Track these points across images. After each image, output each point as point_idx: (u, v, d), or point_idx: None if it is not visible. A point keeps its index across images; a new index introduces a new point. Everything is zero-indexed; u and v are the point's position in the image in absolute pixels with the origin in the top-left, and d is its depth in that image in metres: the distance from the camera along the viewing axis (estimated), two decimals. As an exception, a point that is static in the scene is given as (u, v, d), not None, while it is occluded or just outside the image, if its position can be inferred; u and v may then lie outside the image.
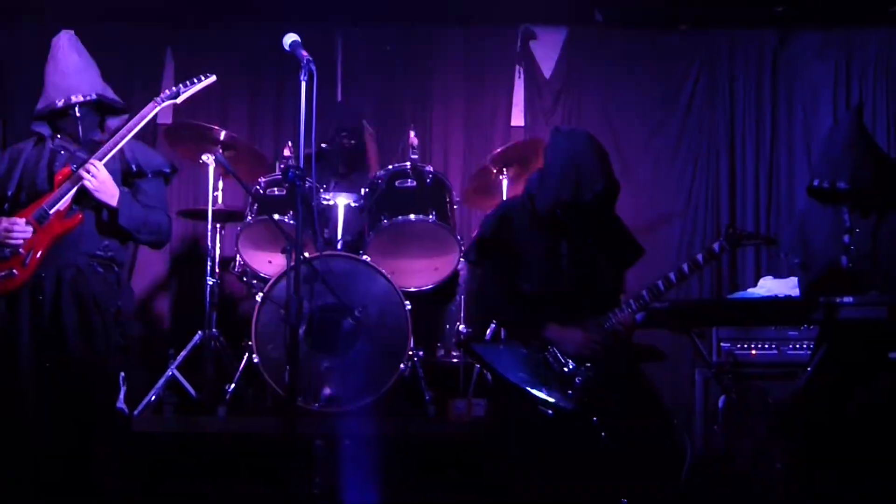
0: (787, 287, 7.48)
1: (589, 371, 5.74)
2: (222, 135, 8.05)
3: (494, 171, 8.33)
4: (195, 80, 6.05)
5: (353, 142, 8.45)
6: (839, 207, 6.36)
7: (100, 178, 5.73)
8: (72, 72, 5.93)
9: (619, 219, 6.22)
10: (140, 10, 9.13)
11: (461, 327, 7.95)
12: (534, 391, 5.72)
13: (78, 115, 5.90)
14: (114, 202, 5.78)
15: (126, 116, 5.97)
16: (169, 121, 8.91)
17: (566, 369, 5.77)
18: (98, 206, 5.79)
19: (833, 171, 6.31)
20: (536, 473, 5.57)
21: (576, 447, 5.64)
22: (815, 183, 6.37)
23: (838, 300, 6.04)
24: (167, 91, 6.01)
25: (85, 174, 5.70)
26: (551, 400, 5.70)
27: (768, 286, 7.80)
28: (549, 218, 5.92)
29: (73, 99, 5.86)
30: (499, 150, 8.39)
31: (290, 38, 5.81)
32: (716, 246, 5.92)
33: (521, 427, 5.75)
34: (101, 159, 5.75)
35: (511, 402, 5.83)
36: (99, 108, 6.00)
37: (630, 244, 6.22)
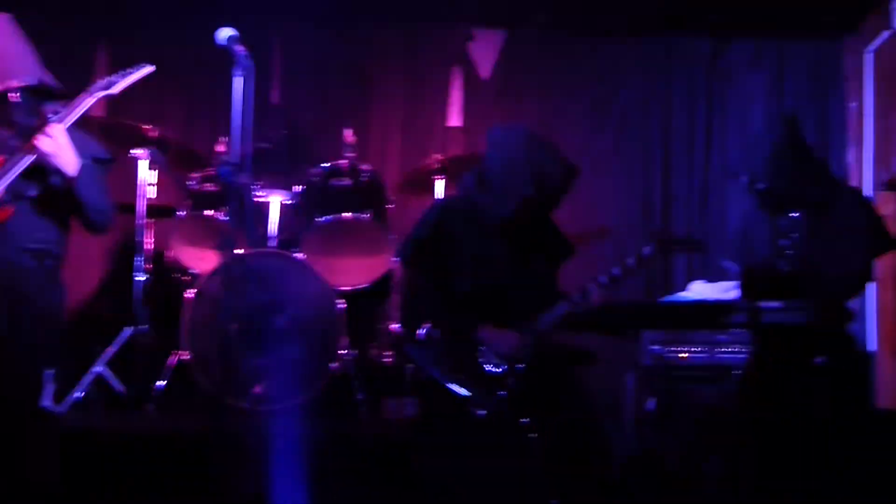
0: (718, 291, 7.53)
1: (521, 372, 5.75)
2: (156, 131, 7.98)
3: (430, 172, 8.34)
4: (130, 71, 5.96)
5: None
6: (777, 212, 6.42)
7: (58, 142, 5.60)
8: (9, 56, 5.80)
9: (551, 218, 6.24)
10: (72, 2, 9.04)
11: (394, 327, 7.94)
12: (466, 392, 5.73)
13: (17, 100, 5.78)
14: (71, 169, 5.64)
15: (63, 103, 5.85)
16: (101, 114, 8.82)
17: (498, 370, 5.78)
18: (33, 198, 5.68)
19: (768, 173, 6.37)
20: (467, 473, 5.58)
21: (506, 448, 5.65)
22: (755, 185, 6.42)
23: (765, 304, 6.09)
24: (102, 80, 5.91)
25: (42, 137, 5.55)
26: (483, 401, 5.71)
27: (699, 290, 7.85)
28: (501, 219, 5.93)
29: (12, 84, 5.75)
30: (440, 157, 8.39)
31: (225, 33, 5.79)
32: (646, 250, 5.96)
33: (451, 427, 5.76)
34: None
35: (442, 402, 5.84)
36: (37, 94, 5.88)
37: (562, 243, 6.24)
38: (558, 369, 5.93)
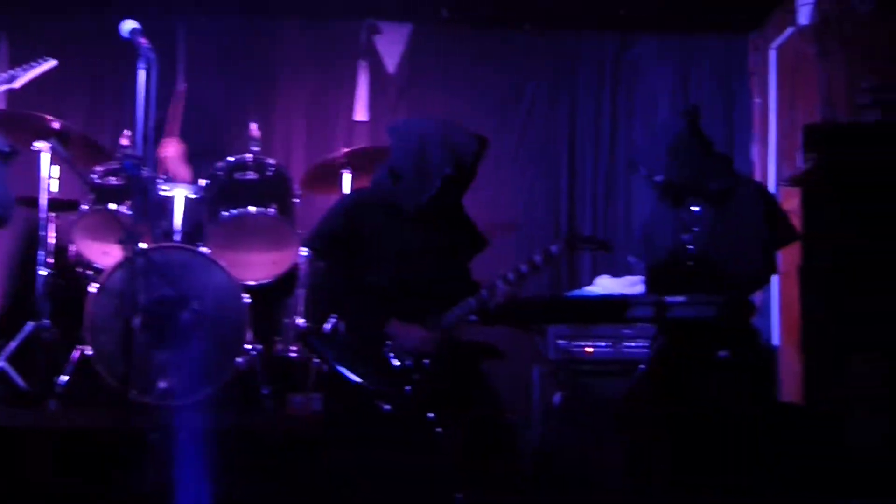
0: (623, 285, 7.58)
1: (427, 367, 5.75)
2: (58, 124, 7.88)
3: (337, 166, 8.31)
4: (33, 64, 5.90)
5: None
6: (680, 206, 6.47)
7: None
8: None
9: (464, 211, 6.25)
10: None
11: (300, 321, 7.92)
12: (371, 386, 5.72)
13: None
14: None
15: None
16: (2, 107, 8.72)
17: (405, 364, 5.78)
18: None
19: (670, 167, 6.42)
20: (372, 468, 5.58)
21: (412, 442, 5.66)
22: (656, 178, 6.47)
23: (669, 299, 6.14)
24: (3, 74, 5.84)
25: None
26: (389, 395, 5.71)
27: (605, 284, 7.90)
28: (417, 206, 5.93)
29: None
30: (347, 150, 8.37)
31: (128, 26, 5.74)
32: (553, 248, 5.98)
33: (357, 421, 5.75)
34: None
35: (348, 397, 5.83)
36: None
37: (474, 236, 6.25)
38: (465, 364, 5.94)
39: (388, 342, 5.80)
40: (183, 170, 8.43)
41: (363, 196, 6.29)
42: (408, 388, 5.72)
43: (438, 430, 5.67)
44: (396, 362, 5.78)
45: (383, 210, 6.00)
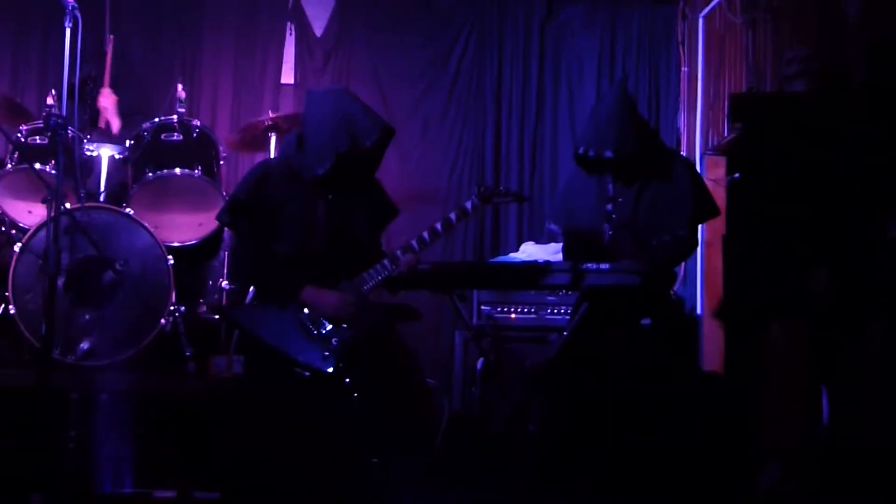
0: (547, 253, 7.61)
1: (344, 332, 5.78)
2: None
3: (263, 129, 8.31)
4: None
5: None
6: (603, 176, 6.51)
7: None
8: None
9: (377, 179, 6.27)
10: None
11: (224, 284, 7.92)
12: (290, 353, 5.75)
13: None
14: None
15: None
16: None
17: (322, 331, 5.80)
18: None
19: (599, 139, 6.46)
20: (289, 434, 5.61)
21: (330, 409, 5.69)
22: (581, 150, 6.51)
23: (592, 267, 6.19)
24: None
25: None
26: (307, 362, 5.74)
27: (529, 251, 7.93)
28: (314, 179, 5.93)
29: None
30: (272, 116, 8.36)
31: (55, -19, 5.68)
32: (468, 204, 6.08)
33: (276, 388, 5.78)
34: None
35: (268, 365, 5.85)
36: None
37: (386, 205, 6.28)
38: (382, 329, 5.97)
39: (306, 309, 5.82)
40: (116, 121, 8.38)
41: (271, 165, 6.30)
42: (326, 353, 5.75)
43: (355, 395, 5.70)
44: (315, 329, 5.80)
45: (289, 178, 6.01)
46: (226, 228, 7.85)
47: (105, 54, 8.49)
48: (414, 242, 5.98)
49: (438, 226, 6.04)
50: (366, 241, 6.11)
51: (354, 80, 9.41)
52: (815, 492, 5.61)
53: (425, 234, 6.01)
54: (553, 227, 6.75)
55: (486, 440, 6.74)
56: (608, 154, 6.41)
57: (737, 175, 6.68)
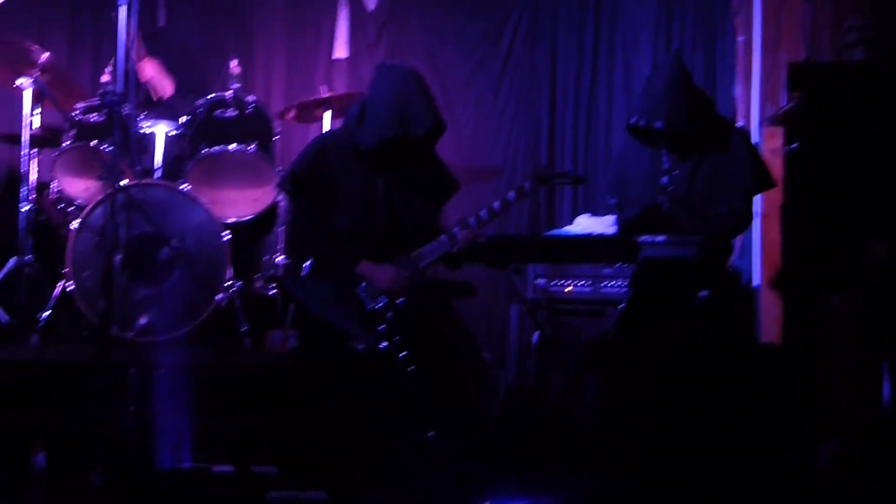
0: (602, 225, 7.57)
1: (400, 307, 5.78)
2: (41, 57, 7.85)
3: (317, 105, 8.34)
4: None
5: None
6: (657, 149, 6.48)
7: None
8: None
9: (436, 154, 6.25)
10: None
11: (279, 259, 7.93)
12: (345, 327, 5.75)
13: None
14: None
15: None
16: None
17: (378, 305, 5.81)
18: None
19: (651, 110, 6.43)
20: (345, 407, 5.62)
21: (385, 383, 5.70)
22: (633, 120, 6.49)
23: (648, 239, 6.16)
24: None
25: None
26: (362, 336, 5.74)
27: (584, 224, 7.88)
28: (369, 153, 5.93)
29: None
30: (326, 94, 8.37)
31: (109, -37, 5.70)
32: (526, 185, 6.04)
33: (331, 363, 5.79)
34: None
35: (322, 339, 5.86)
36: None
37: (446, 179, 6.26)
38: (439, 303, 5.96)
39: (362, 283, 5.82)
40: (167, 83, 8.40)
41: (331, 137, 6.31)
42: (381, 327, 5.75)
43: (411, 368, 5.70)
44: (370, 303, 5.81)
45: (348, 152, 6.00)
46: (280, 203, 7.89)
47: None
48: (471, 219, 5.97)
49: (496, 204, 6.03)
50: (424, 217, 6.10)
51: (407, 54, 9.35)
52: (875, 468, 5.57)
53: (483, 213, 6.00)
54: (612, 200, 6.72)
55: (542, 414, 6.74)
56: (658, 124, 6.38)
57: (794, 145, 6.62)
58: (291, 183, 6.09)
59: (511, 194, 6.02)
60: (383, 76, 6.10)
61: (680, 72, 6.54)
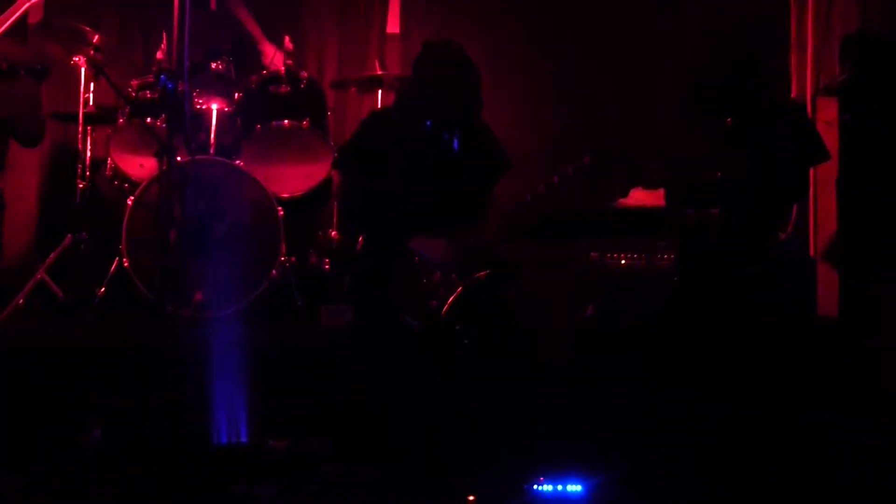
0: (655, 198, 7.54)
1: (452, 281, 5.78)
2: (95, 36, 7.91)
3: (369, 81, 8.39)
4: None
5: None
6: (709, 120, 6.44)
7: None
8: None
9: (490, 130, 6.24)
10: None
11: (333, 234, 7.96)
12: (399, 302, 5.77)
13: None
14: None
15: None
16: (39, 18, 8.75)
17: (430, 280, 5.81)
18: None
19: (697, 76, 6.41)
20: (400, 381, 5.64)
21: (439, 357, 5.71)
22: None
23: (700, 212, 6.14)
24: None
25: None
26: (416, 311, 5.75)
27: (637, 197, 7.86)
28: (418, 129, 5.94)
29: None
30: (379, 73, 8.39)
31: (161, -59, 5.73)
32: (585, 162, 5.97)
33: (386, 334, 5.81)
34: None
35: (377, 313, 5.88)
36: None
37: (500, 158, 6.25)
38: (493, 277, 5.96)
39: (415, 257, 5.83)
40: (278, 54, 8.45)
41: (383, 114, 6.32)
42: (434, 302, 5.76)
43: (465, 341, 5.71)
44: (423, 277, 5.81)
45: (400, 127, 6.01)
46: (333, 178, 7.91)
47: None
48: (528, 196, 5.94)
49: (556, 179, 6.01)
50: (476, 193, 6.09)
51: (456, 29, 9.31)
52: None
53: (541, 188, 5.97)
54: (662, 173, 6.70)
55: (593, 391, 6.72)
56: (715, 95, 6.35)
57: (848, 116, 6.59)
58: (345, 159, 6.11)
59: (570, 168, 6.00)
60: (429, 53, 6.11)
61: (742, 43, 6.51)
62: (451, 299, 5.81)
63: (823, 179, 7.70)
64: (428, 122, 5.93)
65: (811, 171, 7.24)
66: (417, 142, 5.97)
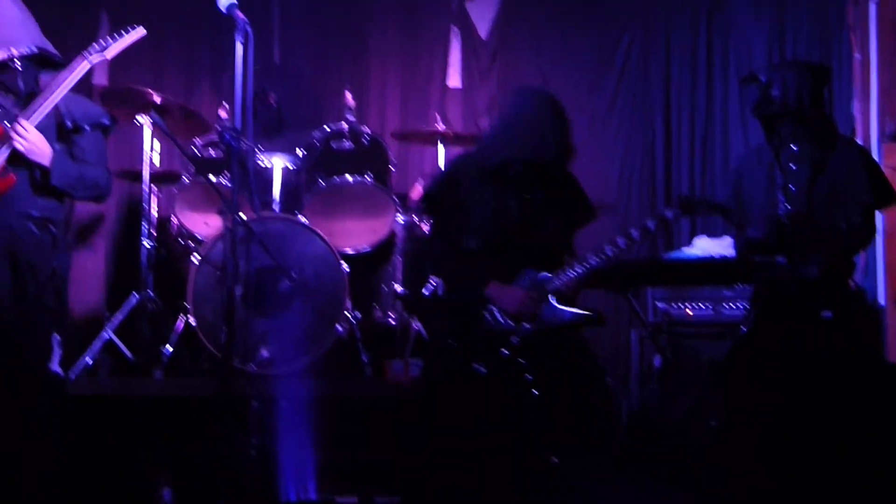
0: (721, 246, 7.51)
1: (526, 330, 5.74)
2: (158, 97, 7.95)
3: (431, 136, 8.43)
4: (123, 33, 5.91)
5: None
6: (773, 163, 6.38)
7: (29, 139, 5.56)
8: (11, 23, 5.71)
9: (574, 178, 6.17)
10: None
11: (398, 288, 7.96)
12: (470, 348, 5.73)
13: (18, 68, 5.71)
14: (46, 161, 5.64)
15: (56, 72, 5.80)
16: (104, 83, 8.84)
17: (503, 327, 5.76)
18: (32, 164, 5.66)
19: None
20: (468, 433, 5.60)
21: (509, 406, 5.66)
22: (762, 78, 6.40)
23: (771, 259, 6.08)
24: (95, 45, 5.86)
25: (14, 135, 5.55)
26: (487, 358, 5.71)
27: (703, 246, 7.82)
28: (501, 174, 5.90)
29: (14, 51, 5.71)
30: (441, 129, 8.41)
31: (226, 0, 5.77)
32: (668, 213, 5.77)
33: (454, 384, 5.77)
34: (29, 118, 5.59)
35: (446, 360, 5.84)
36: (38, 63, 5.84)
37: (582, 205, 6.17)
38: (564, 329, 5.90)
39: (489, 305, 5.78)
40: None
41: (466, 158, 6.25)
42: (505, 351, 5.71)
43: (535, 392, 5.66)
44: (496, 325, 5.77)
45: (482, 172, 5.95)
46: (397, 233, 7.93)
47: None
48: (608, 247, 5.80)
49: (635, 233, 5.82)
50: (557, 240, 6.02)
51: (521, 79, 9.30)
52: None
53: (621, 241, 5.80)
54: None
55: (665, 438, 6.68)
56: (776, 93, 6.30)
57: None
58: (426, 203, 6.10)
59: (650, 223, 5.82)
60: (517, 98, 6.09)
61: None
62: (522, 347, 5.74)
63: (892, 226, 7.65)
64: (514, 168, 5.89)
65: (880, 216, 7.18)
66: (498, 186, 5.93)
